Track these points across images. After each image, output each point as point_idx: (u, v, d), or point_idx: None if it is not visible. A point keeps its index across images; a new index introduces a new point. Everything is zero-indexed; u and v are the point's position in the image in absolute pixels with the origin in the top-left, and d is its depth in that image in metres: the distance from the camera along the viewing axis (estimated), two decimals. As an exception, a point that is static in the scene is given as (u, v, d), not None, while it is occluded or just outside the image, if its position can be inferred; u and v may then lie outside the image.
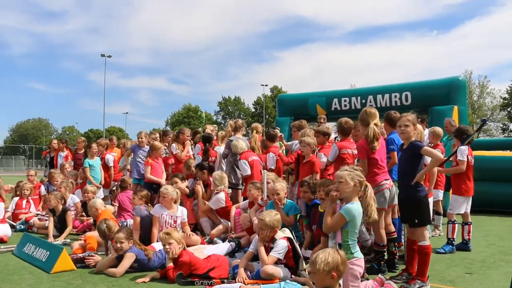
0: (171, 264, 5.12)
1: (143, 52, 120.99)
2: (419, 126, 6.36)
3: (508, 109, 55.10)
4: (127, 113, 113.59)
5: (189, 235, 6.68)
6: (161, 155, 9.00)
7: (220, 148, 8.73)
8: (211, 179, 7.79)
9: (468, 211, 7.04)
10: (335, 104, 13.84)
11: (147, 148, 9.21)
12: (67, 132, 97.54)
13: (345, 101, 13.68)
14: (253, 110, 73.96)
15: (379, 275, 4.68)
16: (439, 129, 7.81)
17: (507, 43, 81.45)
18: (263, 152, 8.33)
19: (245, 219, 6.58)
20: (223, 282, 4.77)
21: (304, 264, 5.07)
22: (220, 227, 7.15)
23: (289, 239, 5.06)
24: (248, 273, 4.94)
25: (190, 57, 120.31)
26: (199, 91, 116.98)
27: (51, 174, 10.69)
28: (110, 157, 10.83)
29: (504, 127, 56.44)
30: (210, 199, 7.51)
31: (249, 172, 7.67)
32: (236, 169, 8.11)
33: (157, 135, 10.05)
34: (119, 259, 5.46)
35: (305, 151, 6.79)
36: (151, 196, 8.12)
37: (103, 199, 10.01)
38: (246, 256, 5.12)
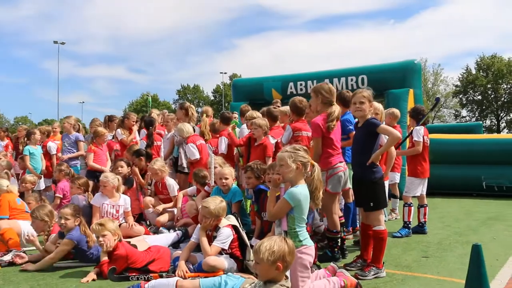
0: (105, 258, 4.60)
1: (100, 40, 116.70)
2: (376, 104, 6.05)
3: (460, 96, 56.82)
4: (83, 102, 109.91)
5: (132, 225, 6.15)
6: (104, 141, 8.37)
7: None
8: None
9: (424, 193, 6.85)
10: (291, 88, 13.45)
11: (74, 135, 8.84)
12: (20, 123, 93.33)
13: (301, 84, 13.30)
14: (212, 98, 73.17)
15: (331, 263, 4.34)
16: (396, 110, 7.55)
17: (459, 32, 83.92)
18: (214, 136, 7.85)
19: (191, 207, 6.11)
20: (161, 276, 4.30)
21: (251, 254, 4.65)
22: (166, 214, 6.63)
23: (234, 227, 4.64)
24: (190, 265, 4.49)
25: (150, 45, 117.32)
26: (159, 80, 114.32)
27: (-17, 165, 9.79)
28: (53, 144, 9.97)
29: (457, 113, 58.27)
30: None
31: (197, 156, 7.21)
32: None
33: (99, 122, 9.39)
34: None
35: (257, 134, 6.37)
36: (95, 185, 7.51)
37: (45, 189, 9.31)
38: (188, 247, 4.67)
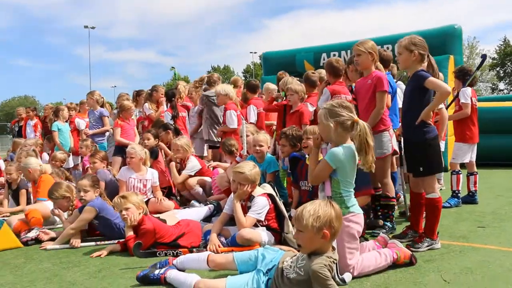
0: (131, 233, 4.27)
1: (130, 24, 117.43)
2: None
3: (497, 69, 54.57)
4: (115, 86, 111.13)
5: (161, 200, 5.85)
6: (131, 115, 8.05)
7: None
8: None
9: (474, 160, 6.27)
10: (324, 59, 12.81)
11: (99, 111, 8.55)
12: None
13: (334, 55, 12.68)
14: (243, 78, 72.90)
15: (381, 233, 3.88)
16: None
17: (493, 4, 79.96)
18: (243, 106, 7.42)
19: (222, 179, 5.72)
20: (191, 252, 3.94)
21: (290, 225, 4.24)
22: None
23: (270, 195, 4.22)
24: (223, 239, 4.12)
25: (178, 28, 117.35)
26: (189, 63, 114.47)
27: (15, 143, 9.72)
28: (81, 121, 9.78)
29: (494, 86, 56.03)
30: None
31: (236, 126, 6.76)
32: (215, 125, 7.25)
33: (126, 96, 9.06)
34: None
35: (292, 100, 5.89)
36: (124, 161, 7.25)
37: (73, 167, 9.13)
38: (220, 220, 4.29)
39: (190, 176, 6.20)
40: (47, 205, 5.67)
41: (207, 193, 6.21)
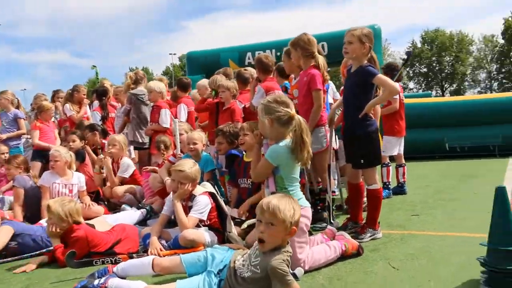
0: (57, 244, 3.89)
1: (39, 23, 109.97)
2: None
3: (407, 69, 58.42)
4: (24, 89, 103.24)
5: (89, 205, 5.43)
6: (51, 117, 7.45)
7: None
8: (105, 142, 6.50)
9: (402, 152, 6.53)
10: (249, 59, 12.92)
11: (13, 112, 7.71)
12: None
13: (259, 54, 12.75)
14: (163, 80, 71.50)
15: (328, 226, 3.85)
16: None
17: (406, 8, 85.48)
18: (172, 106, 7.14)
19: (155, 180, 5.44)
20: (131, 258, 3.66)
21: (232, 224, 4.10)
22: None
23: (211, 194, 4.05)
24: (164, 242, 3.88)
25: (94, 28, 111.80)
26: (105, 64, 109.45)
27: None
28: None
29: (404, 85, 59.89)
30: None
31: (169, 125, 6.46)
32: (141, 126, 6.89)
33: (44, 97, 8.40)
34: None
35: (224, 96, 5.76)
36: (44, 166, 6.69)
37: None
38: (159, 222, 4.04)
39: (124, 178, 5.84)
40: None
41: (138, 200, 5.89)
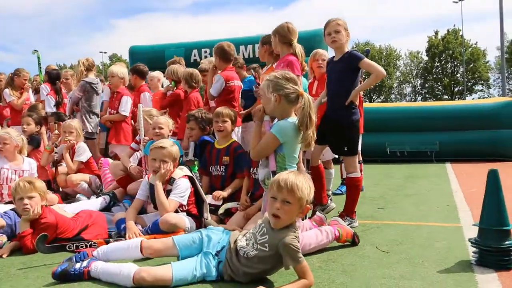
0: (27, 229, 3.50)
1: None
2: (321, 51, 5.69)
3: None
4: None
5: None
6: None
7: None
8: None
9: (360, 149, 6.66)
10: (195, 56, 12.68)
11: None
12: None
13: (205, 52, 12.57)
14: (92, 79, 68.66)
15: (317, 213, 3.80)
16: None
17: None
18: (133, 94, 6.78)
19: (117, 167, 5.11)
20: (107, 243, 3.36)
21: (208, 211, 3.92)
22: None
23: (190, 178, 3.85)
24: (140, 227, 3.62)
25: (16, 22, 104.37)
26: (29, 60, 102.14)
27: None
28: None
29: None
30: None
31: (128, 114, 6.19)
32: (91, 115, 6.47)
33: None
34: None
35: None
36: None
37: None
38: (133, 206, 3.79)
39: (82, 163, 5.43)
40: None
41: (93, 191, 5.50)
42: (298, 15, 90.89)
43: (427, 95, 48.21)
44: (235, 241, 2.69)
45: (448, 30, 45.74)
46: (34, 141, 5.72)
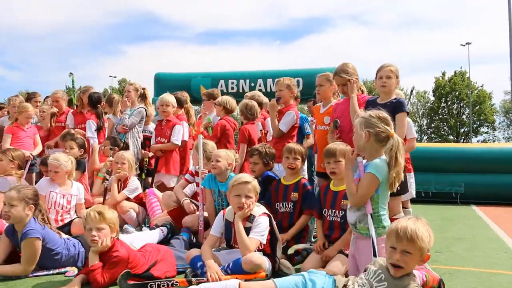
0: (97, 262, 3.37)
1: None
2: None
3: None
4: None
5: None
6: (29, 121, 6.73)
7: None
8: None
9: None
10: (221, 86, 12.75)
11: None
12: None
13: (232, 83, 12.69)
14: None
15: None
16: None
17: (336, 58, 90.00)
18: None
19: (170, 198, 5.02)
20: (189, 283, 3.23)
21: (281, 250, 3.81)
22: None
23: (269, 216, 3.75)
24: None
25: (27, 41, 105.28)
26: (37, 80, 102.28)
27: None
28: None
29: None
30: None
31: (180, 143, 6.15)
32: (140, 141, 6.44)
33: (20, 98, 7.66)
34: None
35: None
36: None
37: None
38: (208, 243, 3.66)
39: (129, 199, 5.33)
40: None
41: (139, 222, 5.38)
42: (305, 50, 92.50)
43: (432, 135, 48.38)
44: (344, 286, 2.61)
45: (455, 72, 46.29)
46: (81, 165, 5.61)
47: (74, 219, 4.88)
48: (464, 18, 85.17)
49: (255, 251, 3.57)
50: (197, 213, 4.75)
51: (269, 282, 2.80)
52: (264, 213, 3.69)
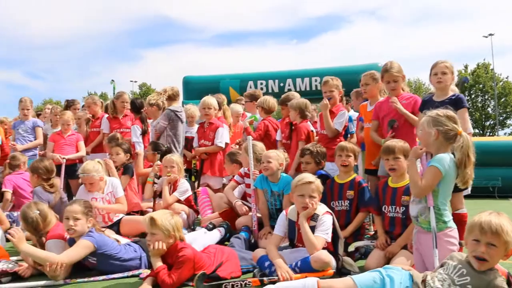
0: (159, 264, 3.42)
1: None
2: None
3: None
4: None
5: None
6: (69, 129, 6.85)
7: None
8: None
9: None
10: (250, 87, 12.75)
11: (31, 121, 7.31)
12: None
13: (261, 84, 12.68)
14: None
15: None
16: None
17: (354, 54, 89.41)
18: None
19: (221, 200, 5.07)
20: (261, 283, 3.25)
21: (343, 248, 3.81)
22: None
23: (331, 214, 3.74)
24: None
25: (47, 50, 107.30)
26: (59, 87, 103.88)
27: None
28: None
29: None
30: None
31: (224, 145, 6.14)
32: (176, 144, 6.47)
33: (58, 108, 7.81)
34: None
35: (292, 116, 5.62)
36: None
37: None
38: (273, 243, 3.66)
39: (179, 201, 5.38)
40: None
41: (189, 224, 5.43)
42: (322, 48, 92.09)
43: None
44: (422, 281, 2.61)
45: (478, 64, 45.40)
46: (129, 170, 5.68)
47: (122, 218, 4.93)
48: (485, 9, 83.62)
49: (319, 249, 3.58)
50: (250, 213, 4.77)
51: (348, 279, 2.79)
52: (327, 211, 3.69)
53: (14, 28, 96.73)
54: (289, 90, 11.86)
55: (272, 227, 4.64)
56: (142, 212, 5.62)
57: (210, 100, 6.24)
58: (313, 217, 3.62)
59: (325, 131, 5.23)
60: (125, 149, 5.77)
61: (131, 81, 64.32)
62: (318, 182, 3.67)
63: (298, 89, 12.09)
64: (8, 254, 4.12)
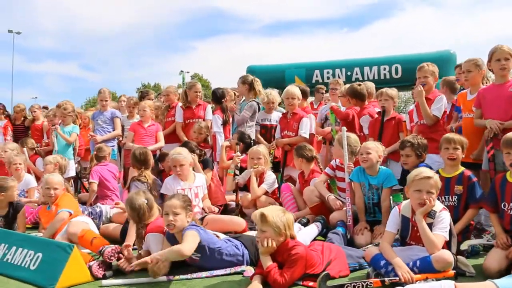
0: (270, 263, 3.30)
1: (51, 35, 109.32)
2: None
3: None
4: (35, 97, 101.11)
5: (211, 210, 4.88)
6: (148, 119, 6.88)
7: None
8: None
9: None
10: (317, 76, 12.59)
11: (110, 111, 7.41)
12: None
13: (327, 73, 12.48)
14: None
15: None
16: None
17: (409, 42, 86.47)
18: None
19: (312, 194, 4.89)
20: (383, 283, 3.09)
21: (456, 247, 3.56)
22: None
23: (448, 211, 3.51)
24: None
25: (102, 43, 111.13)
26: (112, 79, 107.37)
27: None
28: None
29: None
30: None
31: (308, 135, 6.01)
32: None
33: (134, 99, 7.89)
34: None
35: (388, 106, 5.44)
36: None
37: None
38: (386, 240, 3.45)
39: (266, 193, 5.28)
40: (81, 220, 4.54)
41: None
42: (373, 36, 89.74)
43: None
44: None
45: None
46: (208, 163, 5.63)
47: (205, 216, 4.77)
48: (545, -9, 78.26)
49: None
50: (345, 208, 4.60)
51: (489, 283, 2.58)
52: (444, 208, 3.46)
53: (72, 22, 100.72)
54: (357, 79, 11.56)
55: (368, 222, 4.49)
56: (225, 206, 5.58)
57: (294, 89, 6.08)
58: (429, 214, 3.39)
59: (424, 120, 4.97)
60: (192, 150, 5.52)
61: (182, 71, 65.23)
62: (436, 177, 3.43)
63: (366, 78, 11.80)
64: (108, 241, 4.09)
